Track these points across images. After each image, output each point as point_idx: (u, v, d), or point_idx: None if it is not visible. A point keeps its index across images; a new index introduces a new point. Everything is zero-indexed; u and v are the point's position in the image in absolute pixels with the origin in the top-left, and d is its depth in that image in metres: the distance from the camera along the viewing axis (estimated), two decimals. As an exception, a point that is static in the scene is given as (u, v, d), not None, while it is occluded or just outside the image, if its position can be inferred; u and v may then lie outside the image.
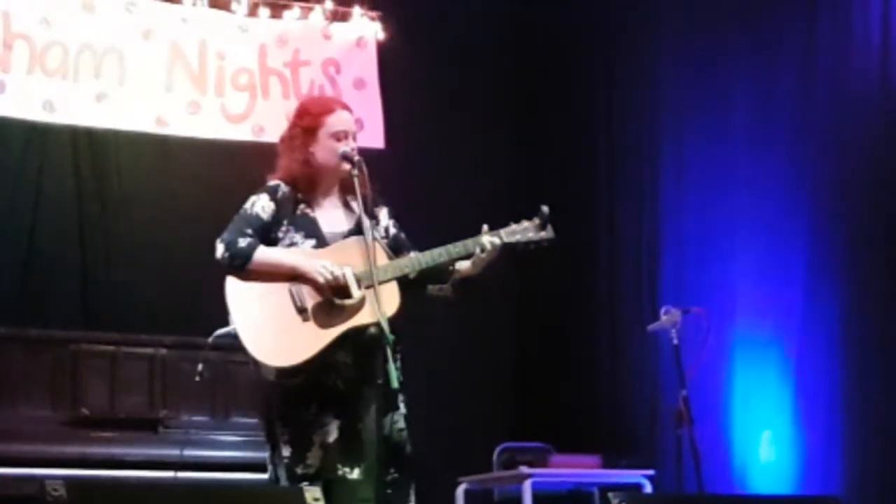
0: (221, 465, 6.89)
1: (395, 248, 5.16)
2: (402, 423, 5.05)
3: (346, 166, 5.11)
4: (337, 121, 5.18)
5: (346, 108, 5.30)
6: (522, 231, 5.15)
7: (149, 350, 7.31)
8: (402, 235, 5.24)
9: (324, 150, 5.14)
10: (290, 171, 5.16)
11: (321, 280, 4.93)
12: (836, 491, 6.58)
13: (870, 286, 6.95)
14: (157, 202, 8.21)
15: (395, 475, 4.97)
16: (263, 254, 5.00)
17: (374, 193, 5.14)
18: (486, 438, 8.00)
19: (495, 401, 8.80)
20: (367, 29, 8.46)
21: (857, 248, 7.02)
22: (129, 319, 7.79)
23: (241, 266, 4.98)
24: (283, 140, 5.28)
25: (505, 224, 5.18)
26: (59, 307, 7.88)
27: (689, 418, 6.67)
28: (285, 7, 8.29)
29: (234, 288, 5.00)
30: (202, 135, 8.04)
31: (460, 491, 7.66)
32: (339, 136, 5.14)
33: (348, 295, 4.95)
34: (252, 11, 8.19)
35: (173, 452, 6.70)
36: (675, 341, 6.83)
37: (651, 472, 7.35)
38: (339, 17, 8.41)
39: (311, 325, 4.95)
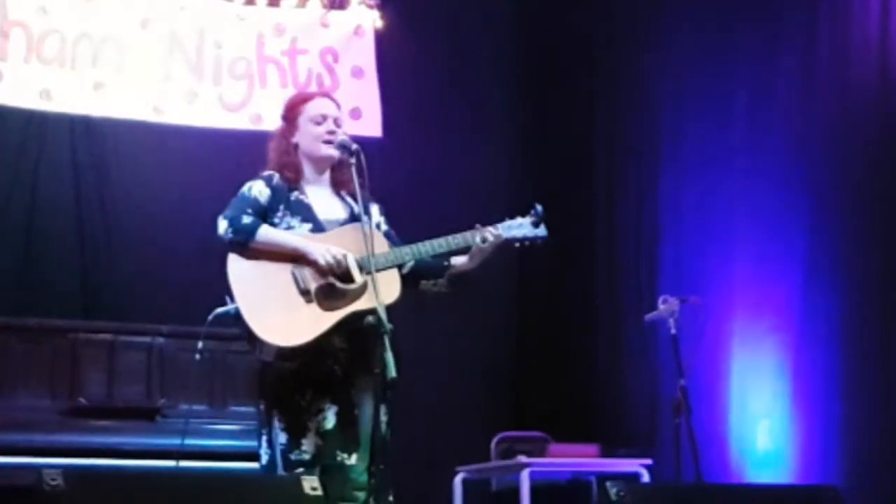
0: (220, 454, 6.88)
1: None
2: (387, 418, 5.05)
3: (330, 151, 5.17)
4: (314, 105, 5.28)
5: (327, 96, 5.44)
6: (518, 227, 5.18)
7: (146, 339, 7.30)
8: (392, 233, 5.27)
9: (305, 138, 5.23)
10: (277, 163, 5.23)
11: (323, 263, 4.96)
12: (834, 481, 6.57)
13: (868, 277, 6.95)
14: (155, 191, 8.20)
15: (382, 467, 4.97)
16: (267, 232, 5.04)
17: (371, 185, 5.18)
18: (484, 428, 8.00)
19: (493, 390, 8.79)
20: (365, 17, 8.45)
21: (855, 239, 7.02)
22: (127, 308, 7.78)
23: (244, 242, 5.01)
24: (273, 135, 5.35)
25: (501, 218, 5.19)
26: (57, 297, 7.86)
27: (687, 408, 6.67)
28: (283, -4, 8.29)
29: (236, 266, 5.02)
30: (200, 124, 8.05)
31: (458, 480, 7.65)
32: (317, 120, 5.23)
33: (351, 279, 4.96)
34: (250, 0, 8.18)
35: (171, 441, 6.69)
36: (673, 331, 6.83)
37: (649, 461, 7.35)
38: (336, 5, 8.40)
39: (314, 306, 4.97)
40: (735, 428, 7.42)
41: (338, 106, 5.36)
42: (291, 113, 5.29)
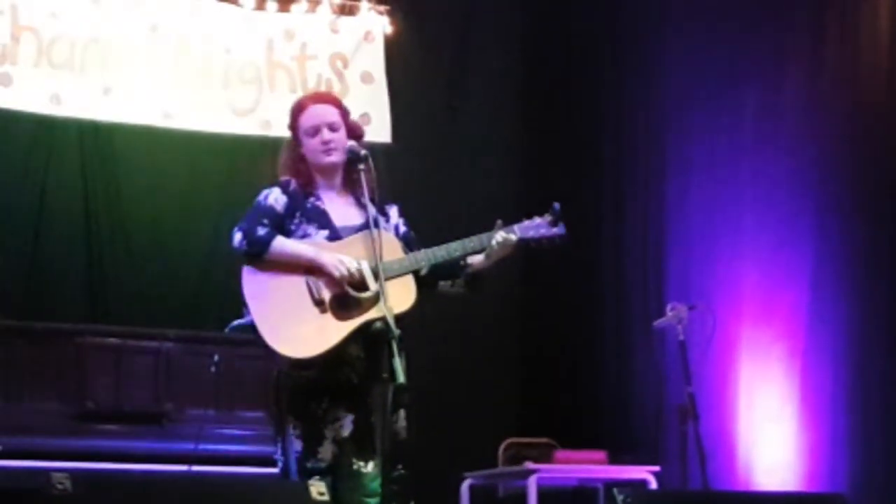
0: (226, 459, 6.89)
1: (405, 247, 5.17)
2: (405, 422, 5.05)
3: (330, 160, 5.13)
4: (307, 118, 5.19)
5: (319, 100, 5.29)
6: (535, 227, 5.15)
7: (154, 344, 7.31)
8: (412, 234, 5.24)
9: (307, 149, 5.18)
10: (288, 173, 5.21)
11: (336, 275, 4.94)
12: (841, 489, 6.57)
13: (876, 284, 6.94)
14: (164, 196, 8.21)
15: (402, 472, 4.97)
16: (281, 244, 5.01)
17: (382, 190, 5.18)
18: (492, 434, 8.00)
19: (501, 396, 8.79)
20: (374, 23, 8.47)
21: (862, 247, 7.01)
22: (135, 313, 7.79)
23: (259, 255, 4.99)
24: (284, 145, 5.33)
25: (517, 219, 5.18)
26: (65, 301, 7.88)
27: (694, 415, 6.67)
28: (293, 1, 8.30)
29: (251, 278, 5.01)
30: (209, 129, 8.06)
31: (465, 486, 7.65)
32: (310, 133, 5.16)
33: (365, 288, 4.95)
34: (259, 5, 8.21)
35: (179, 446, 6.70)
36: (681, 337, 6.83)
37: (656, 468, 7.33)
38: (346, 11, 8.42)
39: (328, 316, 4.95)
40: (742, 435, 7.41)
41: (334, 104, 5.25)
42: (292, 125, 5.24)
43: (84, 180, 8.07)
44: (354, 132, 5.23)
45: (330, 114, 5.20)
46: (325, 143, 5.14)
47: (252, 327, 4.96)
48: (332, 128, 5.16)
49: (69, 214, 8.02)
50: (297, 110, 5.25)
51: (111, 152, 8.13)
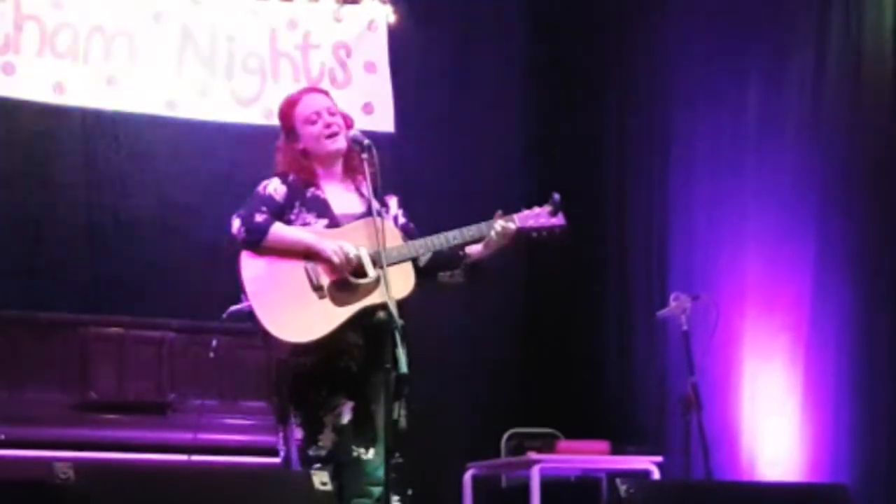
0: (229, 448, 6.89)
1: (405, 238, 5.17)
2: (404, 412, 5.05)
3: (336, 145, 5.15)
4: (304, 106, 5.24)
5: (312, 91, 5.43)
6: (535, 217, 5.16)
7: (157, 333, 7.31)
8: (411, 225, 5.25)
9: (308, 140, 5.20)
10: (287, 170, 5.21)
11: (336, 260, 4.96)
12: (844, 479, 6.56)
13: (879, 275, 6.93)
14: (167, 185, 8.19)
15: (400, 460, 4.97)
16: (280, 231, 5.03)
17: (384, 180, 5.17)
18: (495, 424, 8.00)
19: (504, 386, 8.78)
20: (378, 12, 8.46)
21: (867, 237, 7.00)
22: (138, 303, 7.78)
23: (258, 242, 5.00)
24: (277, 147, 5.34)
25: (517, 209, 5.18)
26: (67, 291, 7.87)
27: (697, 405, 6.67)
28: (296, -10, 8.30)
29: (249, 264, 5.01)
30: (212, 118, 8.06)
31: (468, 477, 7.66)
32: (311, 119, 5.19)
33: (364, 274, 4.96)
34: (263, -6, 8.21)
35: (181, 436, 6.70)
36: (685, 328, 6.84)
37: (659, 458, 7.33)
38: (350, 0, 8.41)
39: (327, 302, 4.97)
40: (745, 425, 7.41)
41: (325, 94, 5.34)
42: (287, 122, 5.27)
43: (87, 170, 8.05)
44: (346, 121, 5.25)
45: (325, 100, 5.28)
46: (329, 126, 5.16)
47: (250, 314, 4.96)
48: (331, 112, 5.20)
49: (72, 204, 8.00)
50: (291, 104, 5.29)
51: (115, 142, 8.11)
